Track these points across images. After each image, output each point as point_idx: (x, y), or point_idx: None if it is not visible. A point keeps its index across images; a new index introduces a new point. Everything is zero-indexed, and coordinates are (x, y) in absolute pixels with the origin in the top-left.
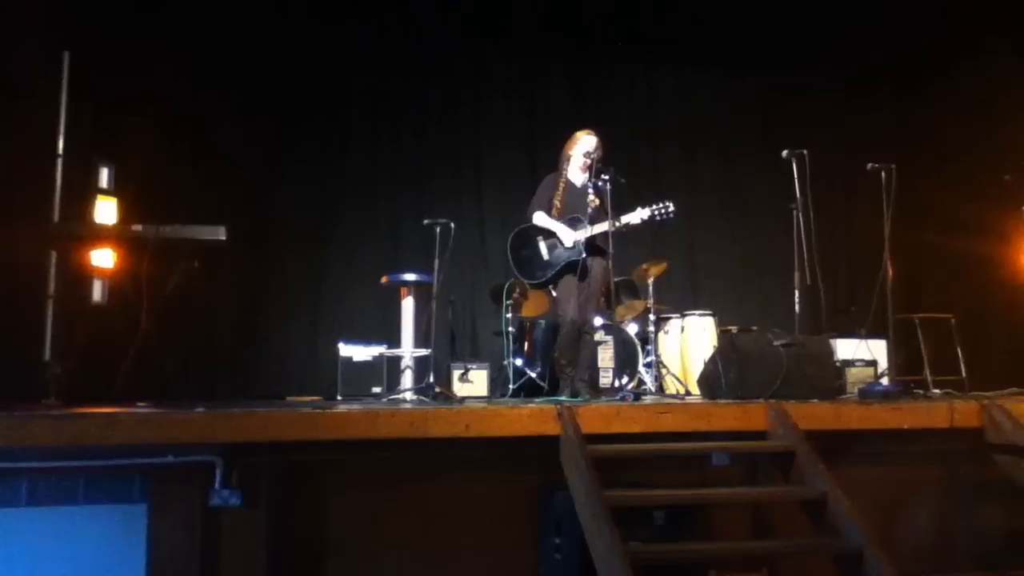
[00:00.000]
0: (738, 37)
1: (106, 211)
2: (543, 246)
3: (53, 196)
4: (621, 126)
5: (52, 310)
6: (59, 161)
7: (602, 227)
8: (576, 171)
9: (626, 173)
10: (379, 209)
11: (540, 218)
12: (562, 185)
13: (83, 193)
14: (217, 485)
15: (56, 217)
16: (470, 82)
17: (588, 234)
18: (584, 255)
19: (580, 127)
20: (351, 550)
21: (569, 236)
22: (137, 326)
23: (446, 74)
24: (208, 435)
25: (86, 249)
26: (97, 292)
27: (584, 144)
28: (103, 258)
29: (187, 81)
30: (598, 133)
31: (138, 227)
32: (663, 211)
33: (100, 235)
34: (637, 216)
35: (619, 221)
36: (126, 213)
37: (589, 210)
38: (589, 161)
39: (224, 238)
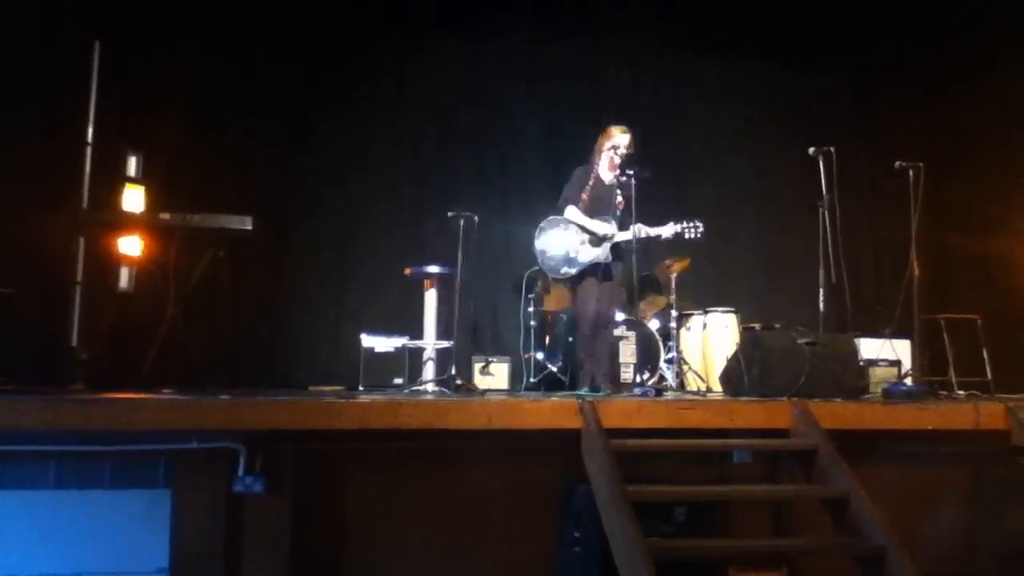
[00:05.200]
0: (765, 33)
1: (134, 199)
2: (573, 241)
3: (82, 184)
4: (646, 120)
5: (80, 297)
6: (88, 149)
7: (627, 235)
8: (605, 168)
9: (650, 168)
10: (403, 201)
11: (572, 213)
12: (592, 181)
13: (111, 181)
14: (241, 471)
15: (85, 204)
16: (494, 74)
17: (620, 237)
18: (610, 259)
19: (604, 120)
20: (372, 538)
21: (604, 232)
22: (163, 314)
23: (470, 66)
24: (232, 422)
25: (114, 237)
26: (124, 279)
27: (616, 140)
28: (130, 246)
29: (215, 71)
30: (631, 131)
31: (165, 215)
32: (692, 230)
33: (128, 223)
34: (664, 231)
35: (645, 233)
36: (153, 201)
37: (617, 212)
38: (618, 159)
39: (250, 228)
